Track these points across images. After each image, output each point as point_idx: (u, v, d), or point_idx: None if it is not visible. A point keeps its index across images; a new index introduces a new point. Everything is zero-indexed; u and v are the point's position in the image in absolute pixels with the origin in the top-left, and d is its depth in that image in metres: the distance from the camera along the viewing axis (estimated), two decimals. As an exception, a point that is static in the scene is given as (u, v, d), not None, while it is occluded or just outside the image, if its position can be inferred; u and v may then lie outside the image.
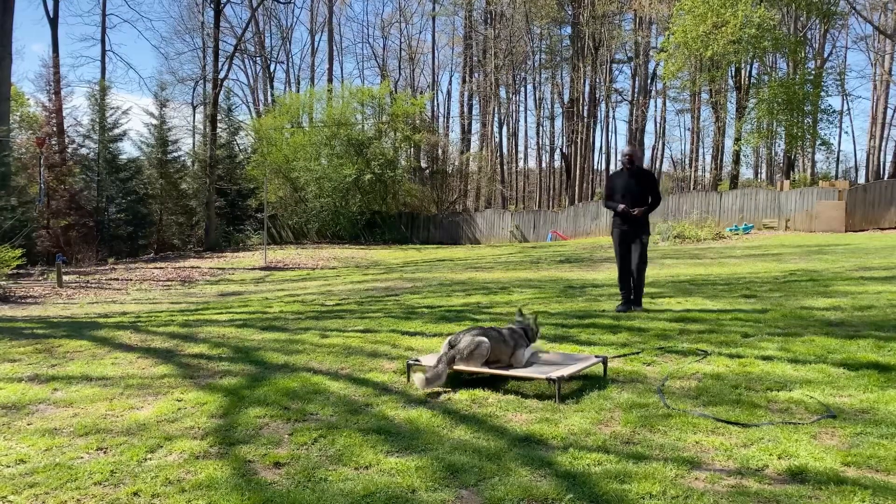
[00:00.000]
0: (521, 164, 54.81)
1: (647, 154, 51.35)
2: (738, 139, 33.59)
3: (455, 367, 4.80)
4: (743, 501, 2.89)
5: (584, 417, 3.99)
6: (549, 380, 4.38)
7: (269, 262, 21.05)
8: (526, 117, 55.68)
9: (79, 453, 3.72)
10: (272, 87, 49.03)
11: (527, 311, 5.39)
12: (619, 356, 5.34)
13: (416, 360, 5.00)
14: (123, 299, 12.93)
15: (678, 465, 3.23)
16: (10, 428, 4.21)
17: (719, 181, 38.04)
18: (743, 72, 35.67)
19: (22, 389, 5.07)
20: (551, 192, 49.86)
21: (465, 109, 49.70)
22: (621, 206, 7.37)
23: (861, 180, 44.03)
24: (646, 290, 9.32)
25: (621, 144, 53.89)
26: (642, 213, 7.39)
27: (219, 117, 31.34)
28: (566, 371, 4.51)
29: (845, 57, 56.15)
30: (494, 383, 4.75)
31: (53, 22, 30.90)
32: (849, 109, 63.06)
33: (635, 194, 7.44)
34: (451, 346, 4.73)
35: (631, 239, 7.52)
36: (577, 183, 42.98)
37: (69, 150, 27.88)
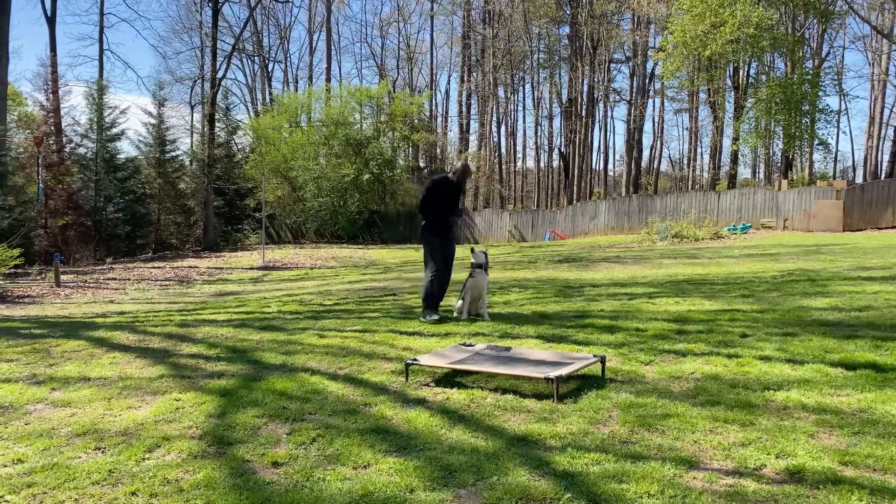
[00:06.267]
0: (519, 163, 54.89)
1: (646, 154, 51.45)
2: (736, 139, 33.63)
3: (455, 368, 4.81)
4: (740, 501, 2.89)
5: (582, 417, 3.99)
6: (547, 379, 4.38)
7: (267, 261, 21.04)
8: (524, 117, 55.85)
9: (76, 453, 3.71)
10: (270, 87, 49.04)
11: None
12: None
13: (415, 360, 5.00)
14: (121, 299, 12.91)
15: (676, 465, 3.24)
16: (8, 428, 4.20)
17: (717, 181, 38.08)
18: (741, 71, 35.70)
19: (19, 389, 5.07)
20: (549, 191, 49.88)
21: (464, 109, 49.73)
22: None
23: (859, 180, 44.10)
24: (644, 290, 9.33)
25: (619, 144, 53.93)
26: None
27: (217, 117, 31.31)
28: (564, 370, 4.51)
29: (843, 57, 56.23)
30: (492, 383, 4.75)
31: (51, 21, 30.91)
32: (846, 109, 63.14)
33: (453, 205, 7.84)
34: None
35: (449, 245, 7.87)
36: (575, 182, 43.00)
37: (67, 150, 27.84)
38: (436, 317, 7.25)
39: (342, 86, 37.23)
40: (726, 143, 39.39)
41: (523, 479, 3.16)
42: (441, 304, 7.70)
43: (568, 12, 44.66)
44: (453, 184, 7.76)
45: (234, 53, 37.44)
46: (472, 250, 7.62)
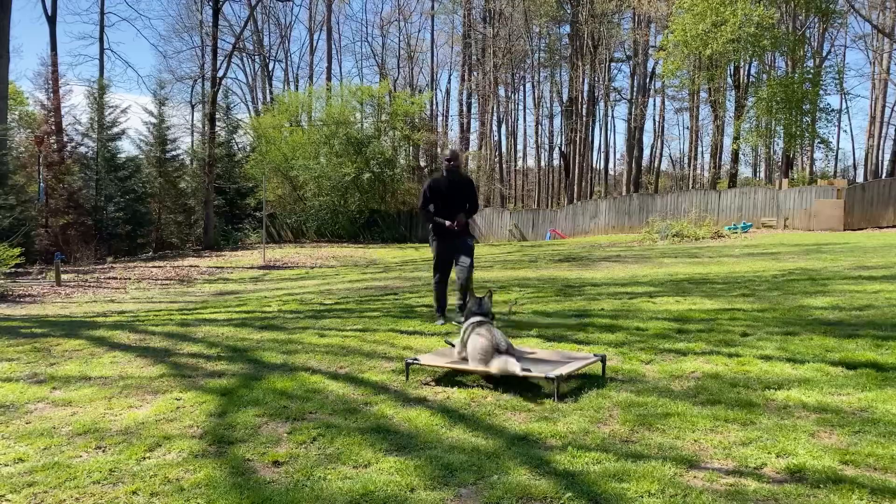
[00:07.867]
0: (519, 162, 54.87)
1: (647, 153, 51.42)
2: (736, 138, 33.60)
3: (456, 367, 4.81)
4: (741, 500, 2.89)
5: (582, 416, 3.98)
6: (547, 378, 4.38)
7: (267, 260, 21.04)
8: (525, 116, 55.69)
9: (77, 452, 3.72)
10: (271, 86, 49.03)
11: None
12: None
13: (415, 360, 5.00)
14: (122, 298, 12.92)
15: (676, 464, 3.24)
16: (9, 427, 4.21)
17: (718, 180, 38.04)
18: (742, 70, 35.68)
19: (20, 389, 5.07)
20: (550, 190, 49.85)
21: (464, 108, 49.69)
22: (447, 223, 7.14)
23: (860, 179, 44.05)
24: (644, 289, 9.32)
25: (620, 143, 53.90)
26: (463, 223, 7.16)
27: (217, 116, 31.32)
28: (565, 370, 4.50)
29: (844, 55, 56.10)
30: (492, 382, 4.75)
31: (52, 20, 30.88)
32: (847, 108, 63.16)
33: (457, 202, 7.25)
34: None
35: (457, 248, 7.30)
36: (575, 181, 42.98)
37: (68, 149, 27.84)
38: (441, 322, 7.18)
39: (343, 85, 37.21)
40: (727, 142, 39.39)
41: (524, 478, 3.16)
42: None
43: (568, 11, 44.63)
44: (447, 179, 7.40)
45: (235, 52, 37.43)
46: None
